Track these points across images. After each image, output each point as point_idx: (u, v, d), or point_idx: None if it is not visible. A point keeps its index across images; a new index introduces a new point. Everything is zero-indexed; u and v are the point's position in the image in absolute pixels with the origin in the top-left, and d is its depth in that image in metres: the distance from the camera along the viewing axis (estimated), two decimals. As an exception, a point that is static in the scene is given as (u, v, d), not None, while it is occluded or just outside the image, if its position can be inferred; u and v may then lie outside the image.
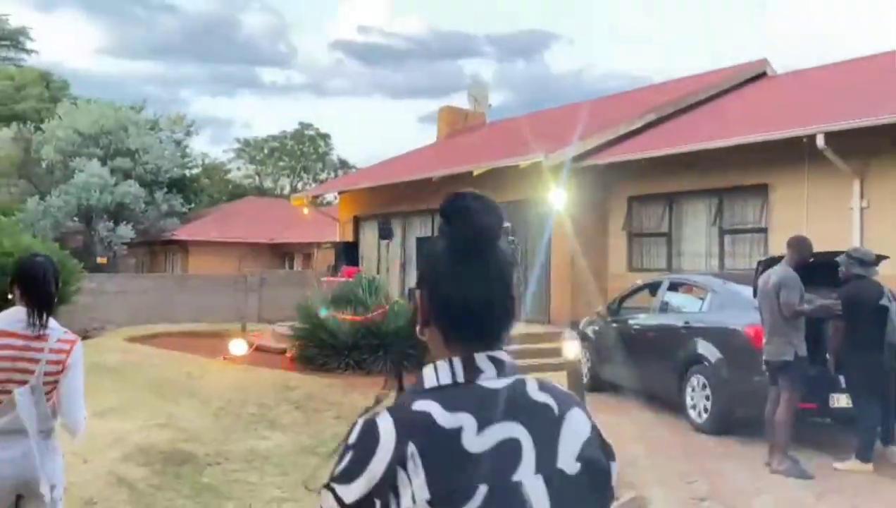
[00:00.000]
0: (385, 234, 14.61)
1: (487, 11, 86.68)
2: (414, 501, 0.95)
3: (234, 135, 71.71)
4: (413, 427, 0.99)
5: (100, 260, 21.92)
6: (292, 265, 29.46)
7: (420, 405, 1.01)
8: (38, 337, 2.71)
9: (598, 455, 1.09)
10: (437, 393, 1.03)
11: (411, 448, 0.97)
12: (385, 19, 78.56)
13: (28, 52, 40.97)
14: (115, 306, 17.67)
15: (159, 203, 26.87)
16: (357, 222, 17.07)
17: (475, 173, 12.52)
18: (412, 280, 15.23)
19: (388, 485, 0.96)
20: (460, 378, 1.04)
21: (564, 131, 13.26)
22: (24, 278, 2.80)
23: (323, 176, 50.82)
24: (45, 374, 2.69)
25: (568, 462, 1.04)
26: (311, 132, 51.74)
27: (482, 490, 0.97)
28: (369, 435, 1.00)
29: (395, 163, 17.94)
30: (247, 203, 33.80)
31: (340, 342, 10.69)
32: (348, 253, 15.99)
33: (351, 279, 12.40)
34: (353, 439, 1.02)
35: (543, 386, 1.09)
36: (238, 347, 11.63)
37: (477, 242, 1.08)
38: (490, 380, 1.04)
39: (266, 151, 51.19)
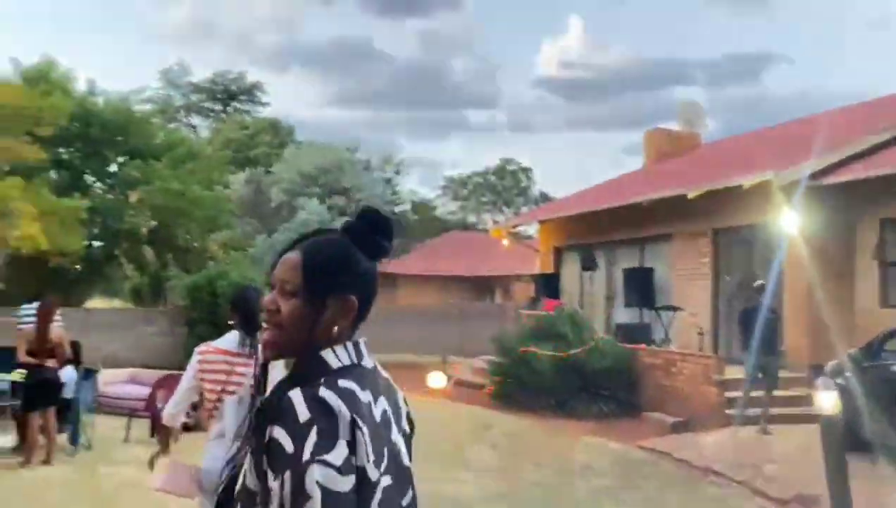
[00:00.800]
0: (588, 265, 13.73)
1: (693, 36, 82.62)
2: (369, 460, 1.12)
3: (442, 175, 75.13)
4: (351, 401, 1.14)
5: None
6: (493, 298, 29.37)
7: (343, 383, 1.16)
8: (249, 355, 3.03)
9: (408, 411, 1.36)
10: (349, 373, 1.19)
11: (358, 420, 1.12)
12: (587, 52, 77.77)
13: (262, 104, 45.73)
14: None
15: (370, 239, 28.08)
16: (558, 252, 16.34)
17: (690, 196, 11.28)
18: (620, 315, 14.45)
19: (351, 450, 1.10)
20: (355, 360, 1.24)
21: (795, 148, 11.59)
22: (238, 304, 3.24)
23: (524, 210, 50.89)
24: (251, 387, 2.84)
25: (406, 424, 1.32)
26: (513, 167, 52.23)
27: (386, 451, 1.18)
28: (324, 407, 1.11)
29: (599, 190, 17.02)
30: (451, 237, 34.47)
31: (541, 380, 9.99)
32: (548, 285, 15.26)
33: (552, 313, 11.68)
34: (304, 415, 1.10)
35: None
36: (437, 380, 11.36)
37: (385, 250, 1.31)
38: (365, 361, 1.27)
39: (470, 187, 52.43)
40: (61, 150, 19.71)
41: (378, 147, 48.23)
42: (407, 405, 1.36)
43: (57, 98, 17.35)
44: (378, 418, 1.18)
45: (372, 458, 1.12)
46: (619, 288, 14.03)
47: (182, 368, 3.42)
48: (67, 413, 7.24)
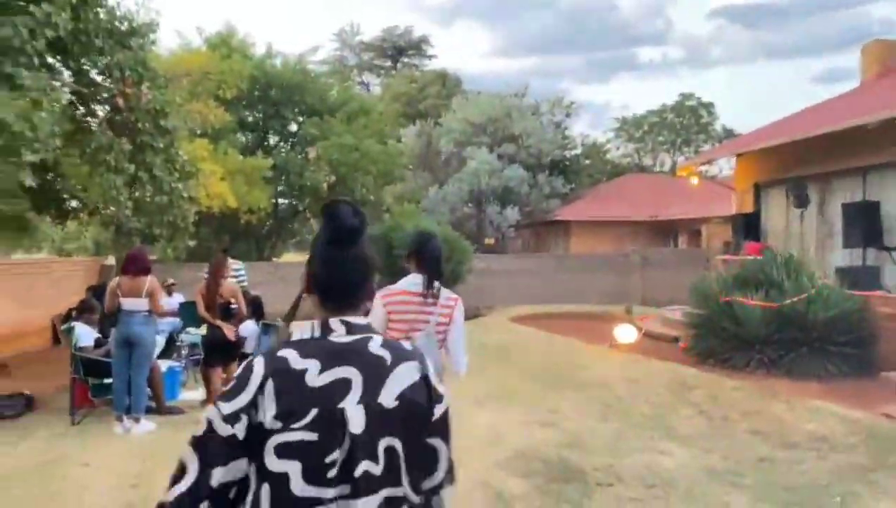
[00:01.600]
0: (800, 200, 11.95)
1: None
2: (265, 414, 1.38)
3: (612, 118, 71.87)
4: (275, 367, 1.42)
5: (487, 242, 22.80)
6: (676, 243, 27.44)
7: (283, 352, 1.45)
8: (432, 296, 3.34)
9: (419, 397, 1.48)
10: (297, 344, 1.47)
11: (269, 382, 1.40)
12: (773, -30, 69.84)
13: (429, 57, 45.77)
14: (500, 286, 18.00)
15: (542, 185, 27.17)
16: (758, 189, 14.49)
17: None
18: (838, 257, 12.57)
19: (251, 405, 1.39)
20: (317, 334, 1.49)
21: None
22: (421, 250, 3.46)
23: (705, 148, 47.24)
24: (437, 324, 3.35)
25: (387, 398, 1.44)
26: (693, 102, 48.41)
27: (313, 411, 1.39)
28: (248, 371, 1.44)
29: (805, 116, 14.83)
30: (626, 181, 32.66)
31: (749, 334, 8.74)
32: (749, 226, 13.59)
33: (758, 257, 10.24)
34: (238, 372, 1.45)
35: (385, 344, 1.51)
36: (626, 333, 10.44)
37: (340, 237, 1.52)
38: (339, 337, 1.48)
39: (645, 127, 49.46)
40: (245, 113, 20.61)
41: (546, 93, 46.73)
42: (429, 387, 1.51)
43: (237, 62, 17.99)
44: (317, 384, 1.41)
45: (271, 413, 1.38)
46: (835, 226, 12.13)
47: None
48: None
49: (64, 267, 14.15)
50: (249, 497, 1.39)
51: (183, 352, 8.54)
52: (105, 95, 10.74)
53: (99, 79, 10.48)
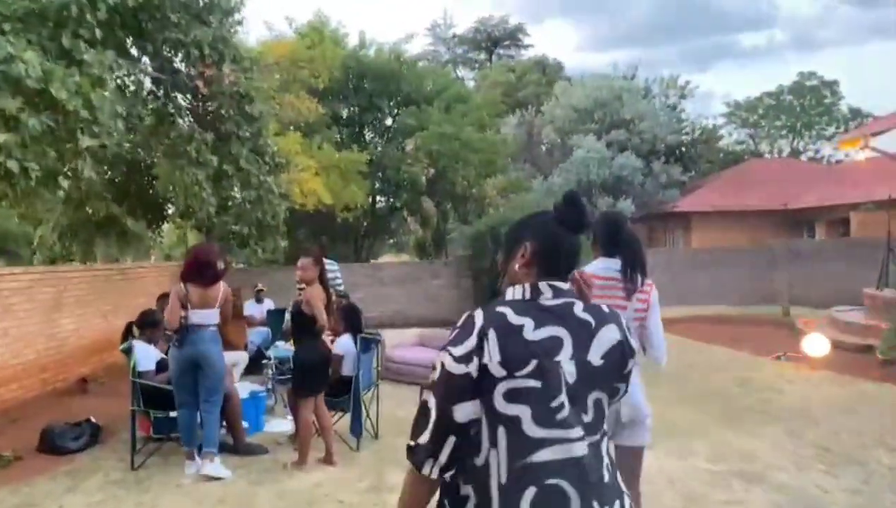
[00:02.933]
0: None
1: None
2: (491, 359, 1.55)
3: (714, 109, 67.03)
4: (494, 320, 1.61)
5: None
6: (812, 234, 24.45)
7: (500, 308, 1.64)
8: (626, 280, 3.04)
9: (618, 356, 1.68)
10: (511, 303, 1.67)
11: (491, 331, 1.58)
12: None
13: (525, 47, 43.88)
14: (623, 286, 16.01)
15: (657, 174, 24.84)
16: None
17: None
18: None
19: (478, 348, 1.57)
20: (528, 296, 1.68)
21: None
22: (613, 233, 3.13)
23: (829, 131, 43.08)
24: (635, 311, 3.06)
25: (594, 357, 1.64)
26: (814, 82, 44.18)
27: (533, 362, 1.57)
28: (470, 320, 1.63)
29: None
30: (750, 167, 29.71)
31: None
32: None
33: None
34: (460, 323, 1.64)
35: (587, 308, 1.70)
36: (817, 344, 8.35)
37: (577, 223, 1.74)
38: (547, 300, 1.67)
39: (760, 111, 45.65)
40: (339, 105, 19.52)
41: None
42: (624, 347, 1.69)
43: (329, 49, 16.84)
44: (535, 338, 1.59)
45: (496, 359, 1.55)
46: None
47: None
48: (344, 396, 5.71)
49: (153, 273, 13.29)
50: (485, 440, 1.58)
51: (270, 372, 7.19)
52: (186, 81, 9.65)
53: (176, 60, 9.38)
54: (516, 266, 1.74)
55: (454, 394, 1.56)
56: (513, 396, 1.55)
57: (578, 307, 1.68)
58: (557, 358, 1.57)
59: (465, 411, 1.56)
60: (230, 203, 10.58)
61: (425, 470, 1.59)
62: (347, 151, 17.05)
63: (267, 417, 6.46)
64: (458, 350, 1.57)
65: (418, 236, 26.30)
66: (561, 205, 1.76)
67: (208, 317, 4.96)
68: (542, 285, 1.68)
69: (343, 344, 5.88)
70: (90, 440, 6.23)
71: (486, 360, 1.55)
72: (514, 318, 1.60)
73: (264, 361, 7.60)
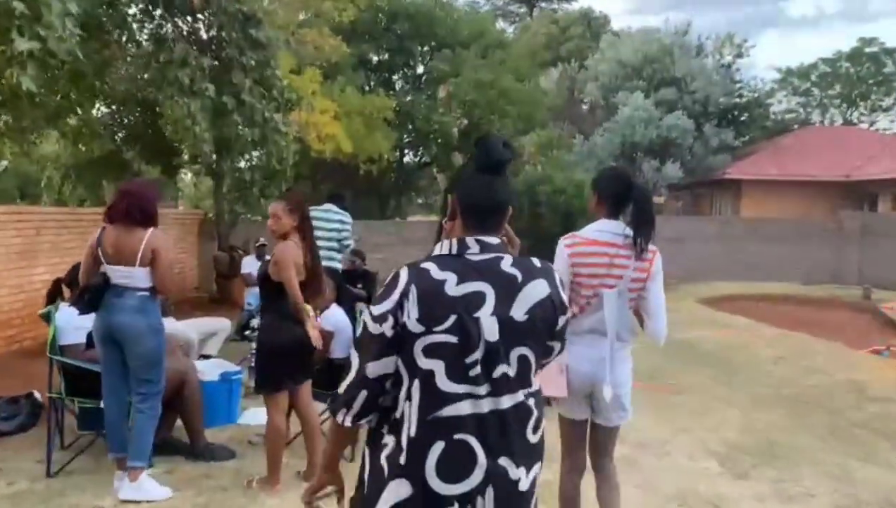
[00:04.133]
0: None
1: None
2: (409, 316, 1.58)
3: (770, 70, 63.54)
4: (417, 276, 1.61)
5: (655, 200, 19.01)
6: (874, 209, 22.46)
7: (424, 264, 1.65)
8: (627, 246, 2.78)
9: (546, 312, 1.68)
10: (437, 259, 1.66)
11: (412, 289, 1.59)
12: None
13: (568, 1, 41.52)
14: (670, 256, 14.40)
15: (708, 137, 22.92)
16: None
17: None
18: None
19: (398, 307, 1.59)
20: (454, 251, 1.66)
21: None
22: (619, 192, 2.86)
23: (886, 102, 40.28)
24: (632, 281, 2.78)
25: (518, 313, 1.64)
26: (874, 49, 41.15)
27: (452, 317, 1.58)
28: (395, 278, 1.63)
29: None
30: (808, 134, 27.57)
31: None
32: None
33: None
34: (387, 281, 1.66)
35: (516, 262, 1.68)
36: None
37: (491, 165, 1.72)
38: (473, 254, 1.66)
39: (814, 77, 42.81)
40: (366, 48, 17.94)
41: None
42: (554, 302, 1.70)
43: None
44: (456, 294, 1.60)
45: (414, 316, 1.58)
46: None
47: None
48: (336, 388, 4.31)
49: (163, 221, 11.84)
50: (403, 390, 1.63)
51: (253, 345, 5.83)
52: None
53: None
54: (445, 221, 1.77)
55: (369, 351, 1.63)
56: (430, 351, 1.59)
57: (506, 262, 1.68)
58: (477, 314, 1.60)
59: (376, 367, 1.62)
60: (233, 142, 9.21)
61: (338, 418, 1.67)
62: (373, 95, 15.51)
63: (244, 404, 5.09)
64: (377, 310, 1.62)
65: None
66: (475, 151, 1.77)
67: (132, 277, 3.59)
68: (469, 239, 1.68)
69: (334, 318, 4.50)
70: (27, 421, 5.00)
71: (404, 318, 1.59)
72: (437, 273, 1.62)
73: (247, 332, 6.28)
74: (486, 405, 1.60)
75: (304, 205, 3.73)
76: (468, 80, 15.64)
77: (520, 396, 1.64)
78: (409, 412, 1.61)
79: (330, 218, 6.73)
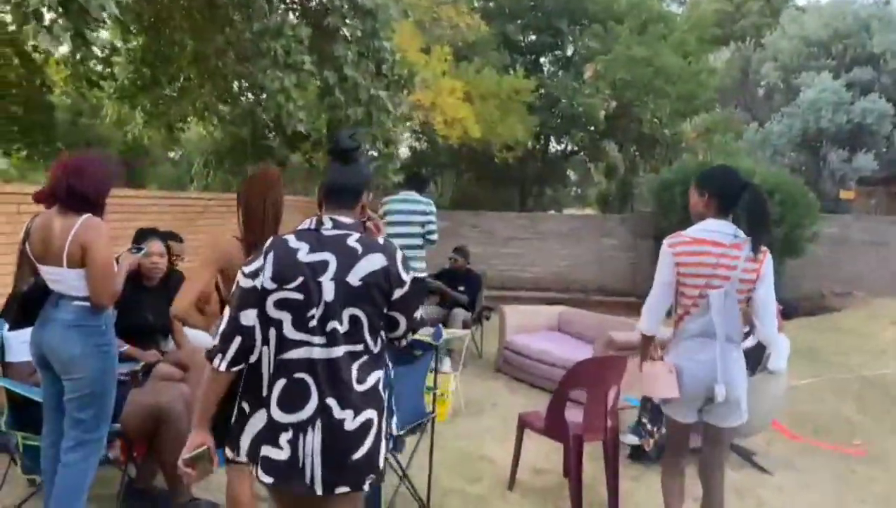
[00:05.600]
0: None
1: None
2: (265, 275, 1.95)
3: None
4: (277, 244, 2.00)
5: (843, 194, 16.20)
6: None
7: (286, 236, 2.03)
8: (735, 246, 2.74)
9: (380, 281, 1.99)
10: (297, 232, 2.04)
11: (271, 253, 1.97)
12: None
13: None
14: (864, 263, 11.99)
15: (912, 124, 19.38)
16: None
17: None
18: None
19: (261, 268, 1.96)
20: (312, 226, 2.04)
21: None
22: (729, 192, 2.80)
23: None
24: (740, 281, 2.74)
25: (353, 279, 1.97)
26: None
27: (300, 278, 1.95)
28: (263, 246, 2.01)
29: None
30: None
31: None
32: None
33: None
34: (259, 250, 2.02)
35: (360, 239, 2.03)
36: None
37: (341, 158, 2.10)
38: (327, 230, 2.03)
39: None
40: (510, 27, 16.69)
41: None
42: (390, 275, 2.02)
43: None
44: (305, 260, 1.97)
45: (268, 275, 1.95)
46: None
47: (640, 294, 3.17)
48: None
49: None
50: (259, 340, 1.96)
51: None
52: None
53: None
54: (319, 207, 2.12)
55: (243, 303, 1.95)
56: (280, 304, 1.95)
57: (353, 238, 2.02)
58: (321, 278, 1.95)
59: (249, 316, 1.94)
60: (341, 123, 8.37)
61: (215, 363, 1.95)
62: (510, 76, 14.24)
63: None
64: (249, 268, 1.98)
65: (602, 188, 23.02)
66: (332, 144, 2.15)
67: (62, 281, 2.71)
68: (326, 218, 2.05)
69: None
70: None
71: (263, 278, 1.95)
72: (293, 243, 2.00)
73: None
74: (319, 353, 1.95)
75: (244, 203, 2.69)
76: (620, 56, 13.93)
77: (349, 348, 1.98)
78: (268, 353, 1.97)
79: (410, 208, 5.64)
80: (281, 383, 1.94)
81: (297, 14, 7.90)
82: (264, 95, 7.63)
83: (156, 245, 3.87)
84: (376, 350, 2.02)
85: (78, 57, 11.45)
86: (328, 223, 2.03)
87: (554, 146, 18.91)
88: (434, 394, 4.83)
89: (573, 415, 3.72)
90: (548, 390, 5.85)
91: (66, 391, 2.72)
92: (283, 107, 7.30)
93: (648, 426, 4.40)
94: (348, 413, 1.94)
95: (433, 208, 5.67)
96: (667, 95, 14.23)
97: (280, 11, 7.54)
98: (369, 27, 8.01)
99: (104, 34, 11.32)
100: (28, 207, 5.71)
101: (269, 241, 2.00)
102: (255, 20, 7.29)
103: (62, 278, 2.70)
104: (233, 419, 2.03)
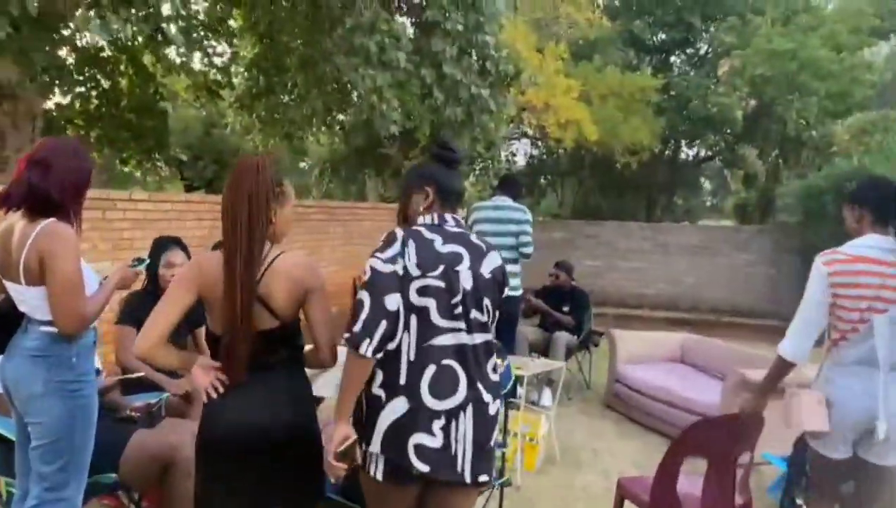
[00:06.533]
0: None
1: None
2: (410, 260, 1.94)
3: None
4: (412, 234, 2.00)
5: None
6: None
7: (416, 228, 2.04)
8: None
9: (500, 275, 2.09)
10: (424, 225, 2.06)
11: (410, 241, 1.97)
12: None
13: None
14: None
15: None
16: None
17: None
18: None
19: (400, 254, 1.94)
20: (436, 223, 2.07)
21: None
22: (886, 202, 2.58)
23: None
24: None
25: (485, 271, 2.04)
26: None
27: (441, 267, 1.97)
28: (393, 235, 1.98)
29: None
30: None
31: None
32: None
33: None
34: (383, 238, 1.99)
35: (478, 238, 2.12)
36: None
37: (455, 165, 2.17)
38: (451, 227, 2.08)
39: None
40: (638, 24, 15.56)
41: None
42: (504, 274, 2.13)
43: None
44: (443, 250, 2.00)
45: (413, 261, 1.94)
46: None
47: (783, 316, 2.95)
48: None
49: (378, 214, 10.75)
50: (400, 326, 1.92)
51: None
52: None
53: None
54: (420, 208, 2.11)
55: (385, 288, 1.90)
56: (423, 291, 1.95)
57: (472, 236, 2.11)
58: (458, 268, 2.00)
59: (393, 299, 1.90)
60: (443, 125, 7.78)
61: (362, 349, 1.86)
62: (635, 73, 13.14)
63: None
64: (385, 255, 1.94)
65: (739, 197, 21.19)
66: (437, 148, 2.19)
67: (24, 300, 2.23)
68: (448, 216, 2.10)
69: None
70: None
71: (406, 262, 1.94)
72: (427, 234, 2.02)
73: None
74: (465, 339, 1.99)
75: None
76: (759, 50, 12.47)
77: (487, 337, 2.05)
78: (409, 340, 1.94)
79: (504, 217, 4.90)
80: (431, 370, 1.93)
81: (394, 8, 7.39)
82: (354, 95, 7.15)
83: (176, 255, 3.38)
84: (495, 342, 2.14)
85: (199, 67, 11.65)
86: (450, 221, 2.09)
87: (685, 151, 17.54)
88: (520, 438, 4.07)
89: (689, 485, 2.85)
90: (666, 435, 4.92)
91: (31, 436, 2.22)
92: (375, 108, 6.78)
93: (800, 503, 3.41)
94: (490, 398, 2.00)
95: (528, 217, 4.90)
96: (814, 93, 12.59)
97: (375, 6, 7.03)
98: (473, 21, 7.36)
99: (224, 45, 11.44)
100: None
101: (398, 231, 1.98)
102: (348, 17, 6.82)
103: (24, 297, 2.21)
104: (363, 410, 1.97)
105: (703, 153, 17.57)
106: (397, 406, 1.91)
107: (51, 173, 2.17)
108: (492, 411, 2.01)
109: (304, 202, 9.92)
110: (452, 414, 1.93)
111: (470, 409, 1.95)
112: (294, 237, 8.56)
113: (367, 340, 1.85)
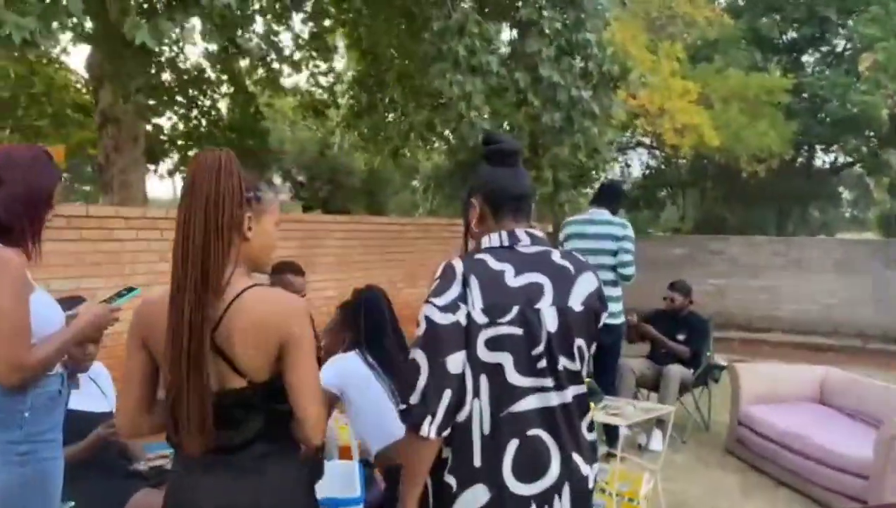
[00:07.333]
0: None
1: None
2: (474, 306, 1.48)
3: None
4: (475, 267, 1.53)
5: None
6: None
7: (479, 256, 1.57)
8: None
9: (595, 303, 1.62)
10: (490, 250, 1.59)
11: (472, 278, 1.50)
12: None
13: None
14: None
15: None
16: None
17: None
18: None
19: (461, 297, 1.48)
20: (506, 243, 1.60)
21: None
22: None
23: None
24: None
25: (575, 303, 1.58)
26: None
27: (515, 309, 1.51)
28: (450, 269, 1.52)
29: None
30: None
31: None
32: None
33: None
34: (439, 274, 1.53)
35: (565, 255, 1.64)
36: None
37: (509, 161, 1.66)
38: (525, 247, 1.61)
39: None
40: (766, 22, 14.30)
41: None
42: (601, 296, 1.65)
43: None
44: (516, 285, 1.53)
45: (479, 306, 1.48)
46: None
47: None
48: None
49: (426, 231, 9.37)
50: (469, 391, 1.49)
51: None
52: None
53: None
54: (473, 224, 1.67)
55: (445, 345, 1.47)
56: (495, 343, 1.50)
57: (556, 255, 1.64)
58: (538, 305, 1.54)
59: (457, 360, 1.48)
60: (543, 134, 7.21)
61: (423, 430, 1.46)
62: (760, 73, 11.98)
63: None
64: (443, 300, 1.49)
65: (885, 208, 19.10)
66: (482, 148, 1.73)
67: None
68: (520, 231, 1.62)
69: (345, 369, 2.25)
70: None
71: (469, 308, 1.49)
72: (494, 264, 1.55)
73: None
74: (553, 399, 1.56)
75: None
76: (908, 41, 11.02)
77: (581, 389, 1.61)
78: (480, 409, 1.51)
79: (600, 232, 4.25)
80: (513, 445, 1.52)
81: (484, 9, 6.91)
82: (442, 102, 6.71)
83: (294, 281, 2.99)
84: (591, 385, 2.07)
85: (305, 86, 11.67)
86: (524, 238, 1.63)
87: (820, 157, 15.92)
88: (616, 500, 3.40)
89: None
90: (800, 491, 4.06)
91: None
92: (464, 117, 6.29)
93: None
94: (588, 471, 1.62)
95: (630, 233, 4.22)
96: (980, 86, 10.97)
97: (465, 7, 6.57)
98: (572, 18, 6.75)
99: (333, 64, 11.44)
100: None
101: (455, 263, 1.54)
102: (436, 20, 6.40)
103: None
104: (430, 505, 1.57)
105: (841, 159, 15.89)
106: (475, 496, 1.51)
107: (22, 191, 1.80)
108: (591, 484, 1.61)
109: (400, 220, 9.56)
110: (545, 499, 1.54)
111: (567, 490, 1.55)
112: (390, 256, 8.16)
113: (429, 417, 1.45)
